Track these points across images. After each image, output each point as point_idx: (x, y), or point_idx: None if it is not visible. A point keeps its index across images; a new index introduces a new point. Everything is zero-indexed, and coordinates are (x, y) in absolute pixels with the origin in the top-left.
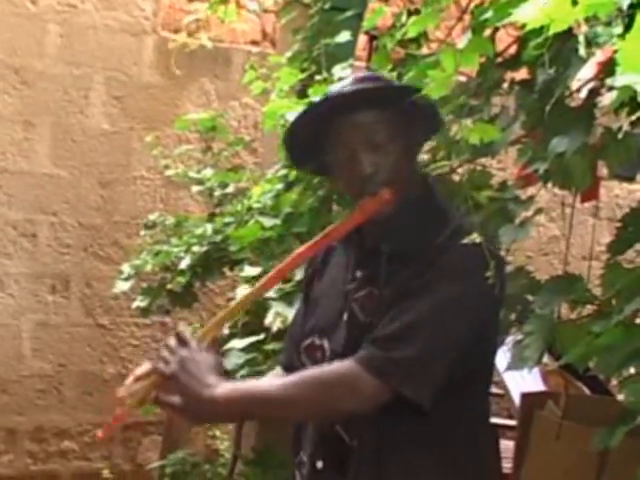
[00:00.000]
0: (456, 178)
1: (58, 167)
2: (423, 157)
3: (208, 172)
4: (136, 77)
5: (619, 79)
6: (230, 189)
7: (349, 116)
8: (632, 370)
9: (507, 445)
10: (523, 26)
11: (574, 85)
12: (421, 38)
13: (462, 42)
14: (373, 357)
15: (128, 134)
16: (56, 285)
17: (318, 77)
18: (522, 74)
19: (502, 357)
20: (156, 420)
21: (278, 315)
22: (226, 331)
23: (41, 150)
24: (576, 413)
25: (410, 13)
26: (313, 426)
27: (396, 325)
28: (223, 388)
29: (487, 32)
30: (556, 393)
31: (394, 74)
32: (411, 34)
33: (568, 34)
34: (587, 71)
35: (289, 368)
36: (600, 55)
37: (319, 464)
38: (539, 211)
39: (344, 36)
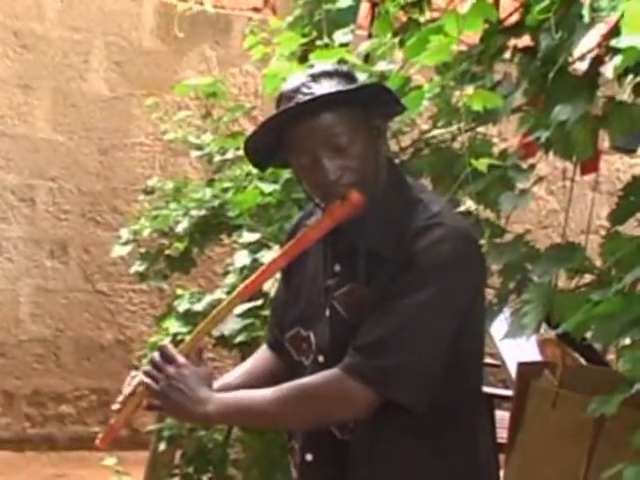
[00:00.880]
0: (456, 146)
1: (57, 132)
2: (421, 126)
3: (208, 138)
4: (136, 42)
5: (623, 40)
6: (229, 155)
7: (307, 121)
8: (628, 339)
9: (503, 415)
10: None
11: (577, 53)
12: (424, 3)
13: (465, 7)
14: (361, 366)
15: (128, 100)
16: (54, 250)
17: (319, 42)
18: (525, 41)
19: (500, 326)
20: None
21: (276, 281)
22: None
23: (40, 115)
24: (572, 382)
25: None
26: None
27: (381, 330)
28: (214, 404)
29: None
30: (552, 363)
31: (395, 40)
32: None
33: (572, 0)
34: (591, 39)
35: (275, 347)
36: (604, 26)
37: (309, 457)
38: (539, 180)
39: (346, 1)
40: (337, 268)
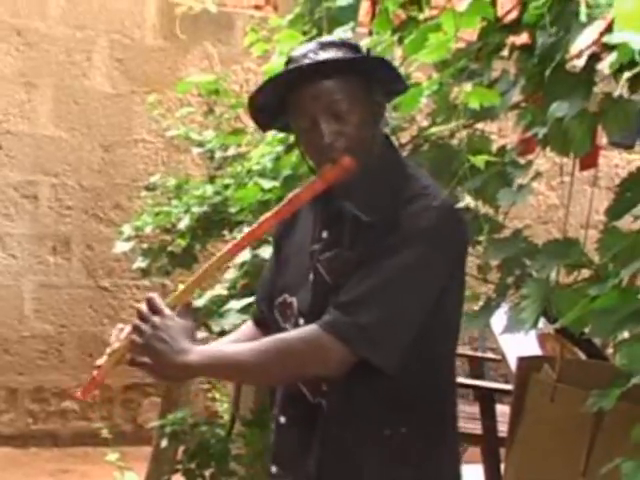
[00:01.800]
0: (455, 142)
1: (60, 129)
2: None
3: (209, 134)
4: (139, 40)
5: (616, 36)
6: (231, 151)
7: (310, 86)
8: (627, 334)
9: (504, 410)
10: None
11: (574, 50)
12: (422, 1)
13: (463, 5)
14: (338, 322)
15: (130, 97)
16: (57, 246)
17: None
18: (523, 39)
19: (499, 320)
20: (156, 382)
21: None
22: (225, 292)
23: (43, 112)
24: (571, 377)
25: None
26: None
27: (361, 289)
28: (196, 354)
29: None
30: (552, 357)
31: (395, 38)
32: None
33: None
34: (588, 37)
35: (259, 322)
36: (602, 23)
37: (282, 419)
38: (537, 176)
39: None
40: (324, 234)
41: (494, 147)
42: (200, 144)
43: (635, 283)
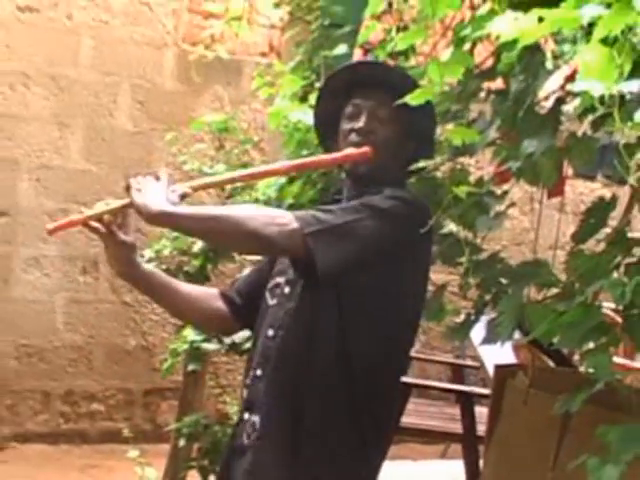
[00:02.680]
0: (439, 175)
1: (89, 163)
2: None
3: (220, 167)
4: (158, 84)
5: (579, 84)
6: (240, 183)
7: (368, 89)
8: (591, 344)
9: (482, 411)
10: (497, 38)
11: (542, 94)
12: (409, 51)
13: (446, 56)
14: (304, 213)
15: (150, 134)
16: (86, 267)
17: (318, 85)
18: (497, 84)
19: (478, 332)
20: (173, 387)
21: None
22: None
23: (74, 148)
24: (542, 383)
25: (399, 29)
26: (260, 342)
27: (333, 207)
28: (177, 208)
29: (467, 47)
30: (525, 365)
31: None
32: (400, 48)
33: (537, 49)
34: (554, 82)
35: (223, 294)
36: (567, 69)
37: (258, 372)
38: (512, 205)
39: (341, 49)
40: None
41: (473, 178)
42: (212, 176)
43: (598, 299)
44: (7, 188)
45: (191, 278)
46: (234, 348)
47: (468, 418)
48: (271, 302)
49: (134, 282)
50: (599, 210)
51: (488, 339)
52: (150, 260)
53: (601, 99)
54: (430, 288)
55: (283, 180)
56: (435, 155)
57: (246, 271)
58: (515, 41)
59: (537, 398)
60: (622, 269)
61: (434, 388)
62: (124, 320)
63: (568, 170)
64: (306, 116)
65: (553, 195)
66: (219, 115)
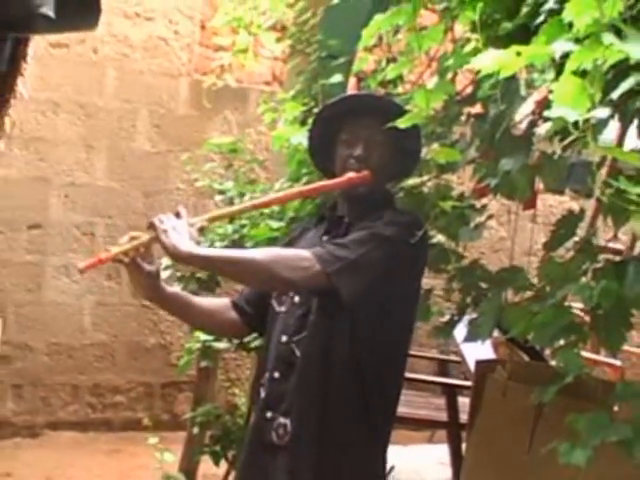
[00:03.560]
0: (425, 190)
1: (112, 180)
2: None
3: (229, 184)
4: (173, 110)
5: (553, 111)
6: (246, 198)
7: (363, 118)
8: (562, 341)
9: (464, 401)
10: (478, 71)
11: (517, 118)
12: (398, 80)
13: (430, 84)
14: (323, 251)
15: (166, 154)
16: (110, 273)
17: (316, 110)
18: (477, 109)
19: (461, 331)
20: (188, 381)
21: None
22: None
23: (99, 167)
24: (518, 376)
25: (389, 60)
26: (274, 347)
27: (344, 239)
28: (199, 248)
29: (449, 76)
30: (503, 360)
31: None
32: (390, 77)
33: (512, 78)
34: (527, 107)
35: (235, 304)
36: (537, 95)
37: (276, 374)
38: (490, 217)
39: (337, 78)
40: (325, 238)
41: (455, 194)
42: (221, 192)
43: (567, 301)
44: (39, 203)
45: (203, 284)
46: (242, 346)
47: (452, 407)
48: (279, 309)
49: (159, 304)
50: (568, 221)
51: (470, 337)
52: (166, 267)
53: (573, 124)
54: None
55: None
56: (422, 173)
57: None
58: (494, 72)
59: (514, 389)
60: (589, 274)
61: (422, 381)
62: (144, 321)
63: (539, 185)
64: (306, 139)
65: (527, 207)
66: (228, 137)
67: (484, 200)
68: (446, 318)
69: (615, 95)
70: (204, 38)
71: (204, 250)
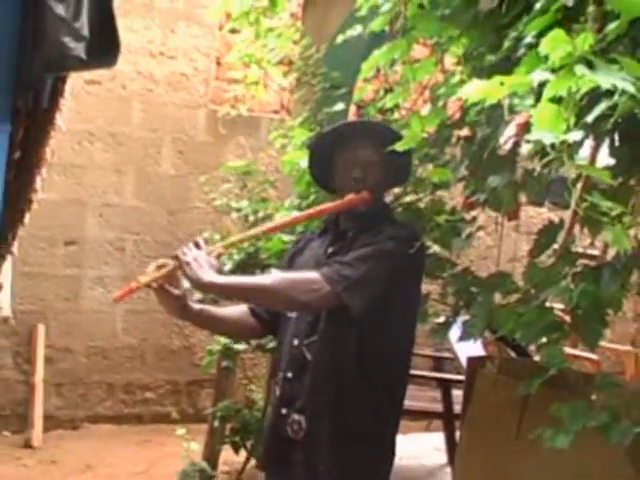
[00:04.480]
0: (421, 206)
1: (139, 201)
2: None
3: (244, 203)
4: (193, 137)
5: (534, 134)
6: (260, 214)
7: (357, 142)
8: (545, 339)
9: (458, 394)
10: (466, 99)
11: (502, 140)
12: (395, 107)
13: (424, 110)
14: (330, 271)
15: (187, 177)
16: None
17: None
18: (465, 132)
19: (455, 331)
20: (210, 379)
21: None
22: None
23: (128, 190)
24: (506, 370)
25: (386, 90)
26: (286, 350)
27: (349, 257)
28: (219, 277)
29: (441, 103)
30: (493, 356)
31: None
32: (388, 105)
33: (496, 104)
34: (510, 130)
35: (253, 311)
36: (519, 119)
37: (289, 374)
38: (479, 228)
39: (339, 106)
40: (330, 249)
41: (448, 208)
42: (237, 210)
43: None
44: (76, 222)
45: None
46: (259, 347)
47: (447, 400)
48: (291, 314)
49: (188, 320)
50: (549, 231)
51: (463, 336)
52: None
53: (551, 145)
54: None
55: (295, 213)
56: (418, 190)
57: None
58: (481, 100)
59: (502, 382)
60: (569, 278)
61: (419, 376)
62: (170, 326)
63: (522, 199)
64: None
65: (511, 219)
66: (242, 161)
67: (473, 213)
68: (442, 319)
69: (589, 119)
70: (220, 73)
71: (223, 279)
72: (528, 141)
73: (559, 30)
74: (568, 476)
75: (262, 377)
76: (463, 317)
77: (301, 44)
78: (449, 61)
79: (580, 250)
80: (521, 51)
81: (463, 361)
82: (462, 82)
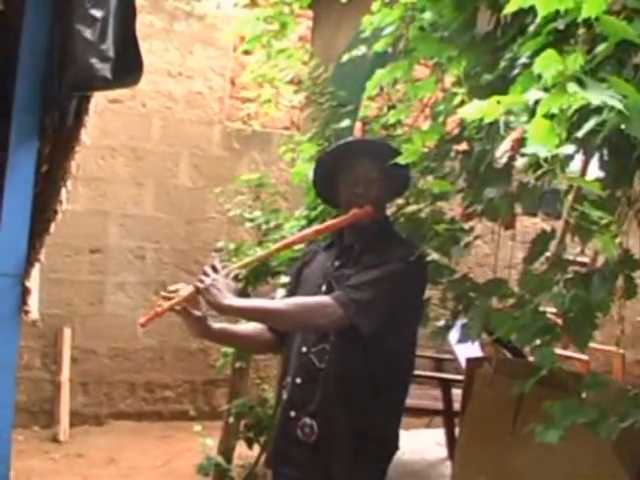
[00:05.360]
0: (422, 216)
1: (158, 211)
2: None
3: (257, 213)
4: (209, 152)
5: (528, 148)
6: (272, 224)
7: (359, 158)
8: (539, 341)
9: (457, 393)
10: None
11: (498, 154)
12: (397, 123)
13: (425, 126)
14: (341, 295)
15: (204, 189)
16: (158, 289)
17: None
18: (464, 146)
19: (454, 334)
20: (225, 379)
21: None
22: None
23: (148, 201)
24: (503, 370)
25: (389, 107)
26: (294, 356)
27: (358, 280)
28: (237, 300)
29: (440, 119)
30: (490, 357)
31: None
32: (391, 121)
33: (493, 121)
34: (506, 145)
35: (271, 327)
36: (514, 134)
37: (298, 380)
38: (477, 237)
39: (345, 123)
40: (336, 263)
41: (447, 218)
42: (251, 220)
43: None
44: (100, 232)
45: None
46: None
47: (447, 398)
48: None
49: (209, 339)
50: (542, 239)
51: (462, 339)
52: None
53: (544, 159)
54: None
55: (303, 222)
56: (419, 201)
57: (278, 292)
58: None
59: (499, 382)
60: (561, 284)
61: (421, 376)
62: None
63: (518, 209)
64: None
65: (507, 228)
66: (255, 174)
67: (471, 223)
68: (442, 323)
69: (580, 134)
70: (234, 92)
71: (240, 302)
72: (523, 155)
73: (551, 51)
74: (560, 468)
75: (274, 377)
76: (462, 320)
77: (310, 65)
78: (448, 80)
79: (571, 258)
80: (516, 70)
81: (462, 362)
82: (462, 103)
